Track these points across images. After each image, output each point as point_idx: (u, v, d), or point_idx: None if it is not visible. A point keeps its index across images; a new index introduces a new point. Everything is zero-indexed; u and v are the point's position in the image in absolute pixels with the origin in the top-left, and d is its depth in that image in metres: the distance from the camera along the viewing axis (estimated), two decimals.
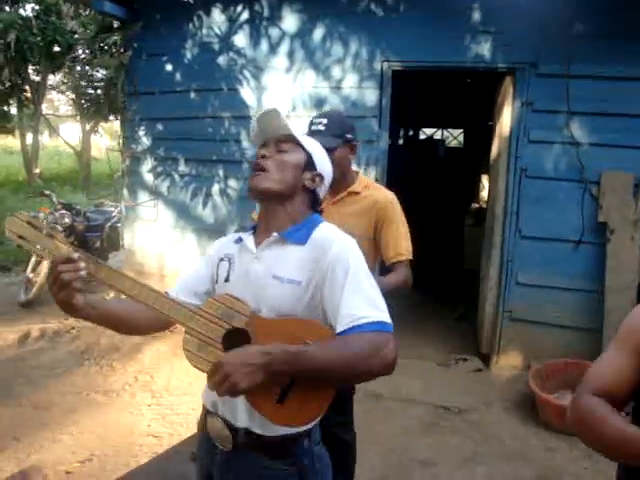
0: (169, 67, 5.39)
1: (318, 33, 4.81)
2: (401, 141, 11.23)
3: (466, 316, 5.93)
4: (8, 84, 11.72)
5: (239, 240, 1.64)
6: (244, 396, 1.39)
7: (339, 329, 1.38)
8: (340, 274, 1.42)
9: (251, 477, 1.54)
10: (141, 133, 5.71)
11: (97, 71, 10.14)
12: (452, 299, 6.58)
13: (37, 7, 9.45)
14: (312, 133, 2.30)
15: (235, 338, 1.41)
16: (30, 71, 11.54)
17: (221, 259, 1.64)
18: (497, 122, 4.71)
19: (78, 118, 12.23)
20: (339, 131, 2.38)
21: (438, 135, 13.07)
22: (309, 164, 1.62)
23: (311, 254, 1.48)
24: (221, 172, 5.34)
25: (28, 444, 3.55)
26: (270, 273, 1.50)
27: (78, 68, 9.28)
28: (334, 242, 1.48)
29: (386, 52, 4.64)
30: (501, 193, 4.60)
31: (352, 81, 4.79)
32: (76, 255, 1.36)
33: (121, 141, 6.08)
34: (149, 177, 5.75)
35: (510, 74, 4.47)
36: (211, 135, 5.31)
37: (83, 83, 10.51)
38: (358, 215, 2.46)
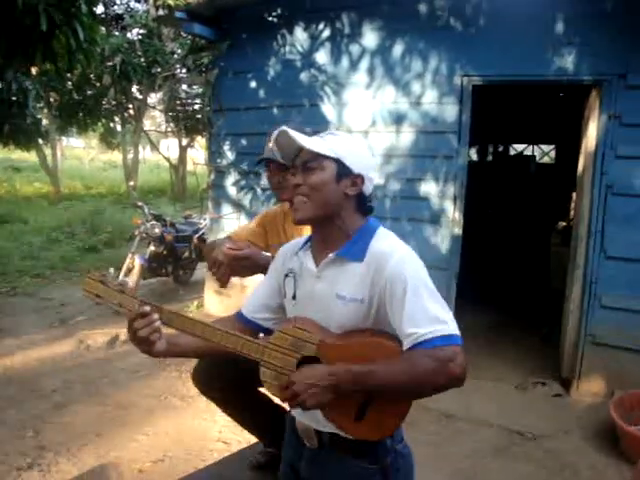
0: (253, 84, 5.58)
1: (398, 49, 4.83)
2: (490, 157, 10.99)
3: (550, 338, 5.69)
4: (114, 103, 12.51)
5: (297, 254, 1.66)
6: (321, 412, 1.47)
7: (405, 346, 1.39)
8: (398, 291, 1.41)
9: (336, 474, 1.59)
10: (226, 148, 5.92)
11: (193, 88, 10.61)
12: (536, 320, 6.33)
13: (141, 31, 10.05)
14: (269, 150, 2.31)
15: (308, 365, 1.46)
16: (133, 90, 12.23)
17: (286, 275, 1.66)
18: (583, 137, 4.53)
19: (176, 134, 12.80)
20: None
21: (529, 151, 12.67)
22: (342, 171, 1.51)
23: (369, 270, 1.47)
24: None
25: (108, 441, 3.74)
26: (333, 292, 1.51)
27: (175, 86, 9.75)
28: (390, 256, 1.44)
29: (466, 67, 4.59)
30: (585, 211, 4.40)
31: (431, 96, 4.76)
32: (148, 308, 1.45)
33: (207, 156, 6.33)
34: (233, 190, 5.94)
35: (596, 87, 4.29)
36: None
37: (178, 101, 11.03)
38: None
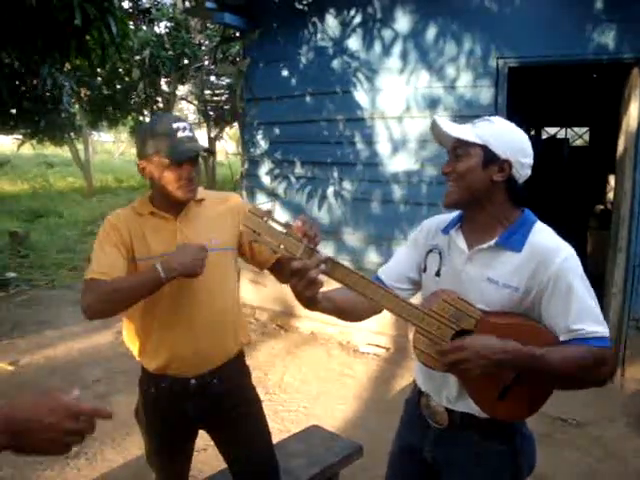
0: (285, 73, 5.56)
1: (431, 32, 4.75)
2: None
3: None
4: (143, 96, 12.60)
5: (446, 231, 1.68)
6: (463, 384, 1.54)
7: (566, 337, 1.45)
8: (563, 288, 1.46)
9: (466, 454, 1.63)
10: (259, 137, 5.92)
11: (221, 80, 10.64)
12: None
13: (169, 24, 10.10)
14: (185, 141, 1.92)
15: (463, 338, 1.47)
16: (162, 83, 12.31)
17: (430, 250, 1.70)
18: (623, 117, 4.41)
19: (204, 125, 12.86)
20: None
21: (562, 134, 12.44)
22: (489, 157, 1.51)
23: (530, 262, 1.49)
24: (336, 174, 5.42)
25: None
26: (484, 276, 1.54)
27: (204, 78, 9.81)
28: (556, 253, 1.47)
29: (501, 48, 4.50)
30: (627, 193, 4.30)
31: (466, 80, 4.69)
32: (320, 255, 1.42)
33: (241, 146, 6.34)
34: (267, 180, 5.95)
35: (637, 65, 4.17)
36: (326, 138, 5.40)
37: (207, 92, 11.07)
38: (217, 221, 2.06)
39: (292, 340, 5.46)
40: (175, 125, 1.90)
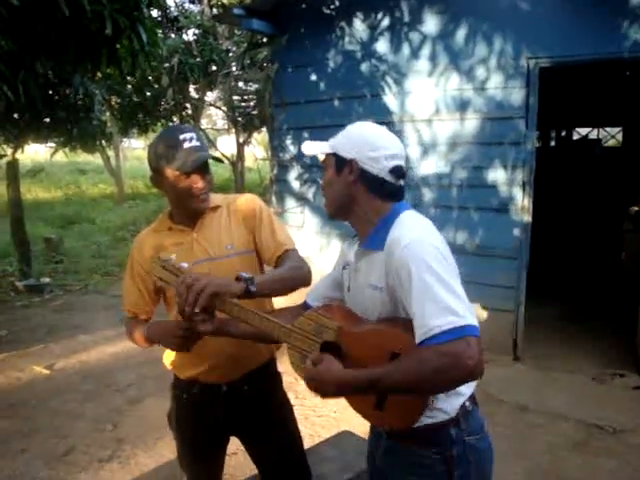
0: (313, 77, 5.57)
1: (460, 34, 4.72)
2: (552, 142, 10.65)
3: (626, 328, 5.48)
4: (172, 103, 12.72)
5: (349, 245, 1.72)
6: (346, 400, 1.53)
7: (417, 339, 1.34)
8: (405, 278, 1.38)
9: (403, 463, 1.61)
10: (288, 142, 5.94)
11: (249, 85, 10.69)
12: (609, 309, 6.10)
13: (197, 31, 10.18)
14: (194, 151, 1.88)
15: (331, 349, 1.50)
16: (191, 89, 12.42)
17: (344, 267, 1.71)
18: None
19: (233, 130, 12.93)
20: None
21: (594, 134, 12.22)
22: (339, 162, 1.55)
23: (386, 258, 1.46)
24: None
25: None
26: (367, 282, 1.54)
27: (232, 84, 9.86)
28: (398, 242, 1.42)
29: (532, 48, 4.44)
30: None
31: (497, 81, 4.64)
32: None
33: (269, 150, 6.37)
34: (296, 184, 5.96)
35: None
36: None
37: (235, 97, 11.13)
38: (229, 229, 2.04)
39: None
40: (181, 136, 1.89)
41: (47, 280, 7.91)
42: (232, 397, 2.06)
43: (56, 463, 3.53)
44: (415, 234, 1.43)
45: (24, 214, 8.16)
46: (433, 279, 1.34)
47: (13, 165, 7.82)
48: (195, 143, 1.89)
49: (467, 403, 1.56)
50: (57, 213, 13.19)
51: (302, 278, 1.92)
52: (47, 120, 7.12)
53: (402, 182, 1.58)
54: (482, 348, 1.30)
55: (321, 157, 1.63)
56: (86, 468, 3.49)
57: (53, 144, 7.96)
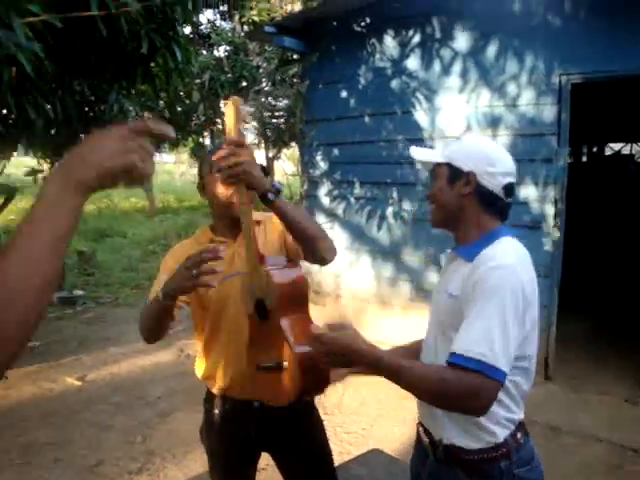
0: (344, 94, 5.61)
1: (491, 50, 4.72)
2: (584, 158, 10.53)
3: None
4: (203, 118, 12.91)
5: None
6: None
7: (450, 349, 1.37)
8: (476, 295, 1.39)
9: None
10: (318, 158, 5.98)
11: (279, 101, 10.80)
12: None
13: (228, 48, 10.35)
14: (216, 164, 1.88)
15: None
16: (221, 105, 12.59)
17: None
18: None
19: (263, 146, 13.05)
20: None
21: (627, 150, 12.04)
22: (454, 173, 1.55)
23: (470, 270, 1.46)
24: (395, 195, 5.41)
25: None
26: (445, 288, 1.56)
27: (262, 100, 9.98)
28: (487, 261, 1.42)
29: (564, 64, 4.41)
30: None
31: (528, 97, 4.62)
32: None
33: (300, 166, 6.43)
34: (326, 200, 5.99)
35: None
36: (385, 158, 5.41)
37: (266, 114, 11.24)
38: (270, 243, 2.05)
39: None
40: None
41: (80, 292, 8.05)
42: (264, 414, 2.06)
43: (87, 474, 3.57)
44: (508, 261, 1.42)
45: None
46: (496, 312, 1.35)
47: None
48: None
49: (519, 435, 1.53)
50: (90, 226, 13.41)
51: (325, 236, 1.90)
52: (82, 136, 7.27)
53: (510, 200, 1.57)
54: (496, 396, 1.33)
55: (428, 165, 1.65)
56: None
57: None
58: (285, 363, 1.71)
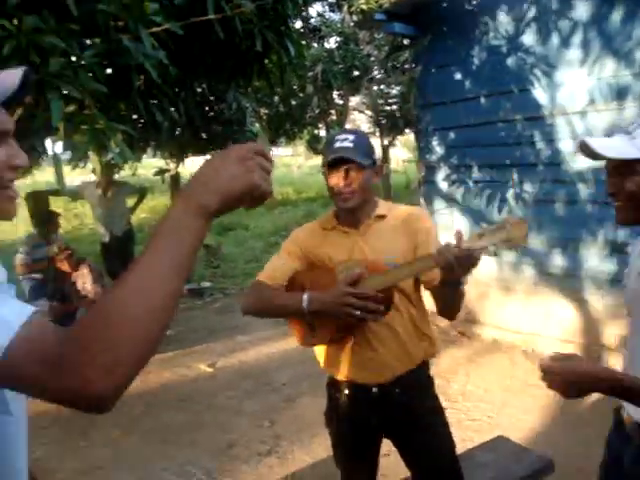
0: (458, 76, 5.48)
1: (616, 16, 4.39)
2: None
3: None
4: (317, 110, 13.12)
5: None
6: None
7: None
8: None
9: None
10: (434, 143, 5.90)
11: (392, 88, 10.73)
12: None
13: (338, 39, 10.44)
14: (338, 150, 1.96)
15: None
16: (334, 96, 12.72)
17: None
18: None
19: (377, 134, 13.05)
20: (368, 150, 2.03)
21: None
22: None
23: None
24: (515, 176, 5.22)
25: None
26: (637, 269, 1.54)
27: (375, 88, 9.99)
28: None
29: None
30: None
31: None
32: None
33: (416, 152, 6.37)
34: (444, 185, 5.90)
35: None
36: (503, 139, 5.23)
37: (380, 101, 11.22)
38: (393, 240, 2.06)
39: (474, 348, 5.34)
40: (338, 136, 2.00)
41: (207, 284, 8.49)
42: (382, 400, 2.09)
43: (220, 455, 3.79)
44: None
45: None
46: None
47: (176, 178, 8.49)
48: (344, 144, 1.96)
49: None
50: (215, 221, 14.04)
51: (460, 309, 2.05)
52: (204, 135, 7.65)
53: None
54: None
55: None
56: (247, 461, 3.71)
57: (209, 156, 8.55)
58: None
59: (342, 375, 2.14)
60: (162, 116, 4.11)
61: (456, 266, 1.67)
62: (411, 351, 2.08)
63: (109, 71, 3.25)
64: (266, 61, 4.81)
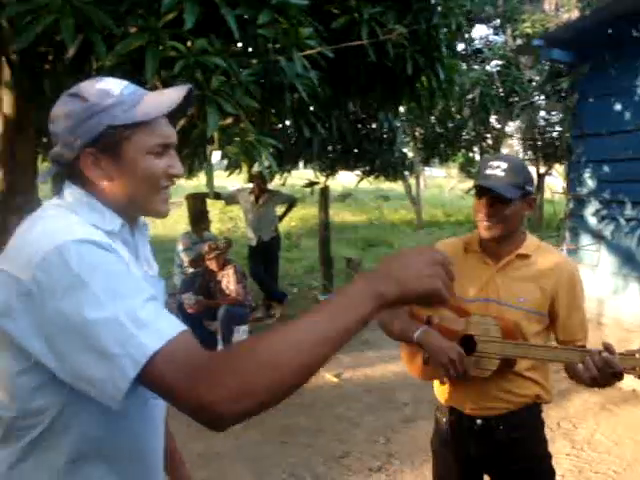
0: (618, 107, 5.20)
1: None
2: None
3: None
4: (473, 133, 12.94)
5: None
6: None
7: None
8: None
9: None
10: (586, 175, 5.63)
11: (552, 115, 10.35)
12: None
13: (499, 62, 10.26)
14: (487, 177, 1.89)
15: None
16: (492, 120, 12.48)
17: None
18: None
19: (533, 161, 12.63)
20: (520, 181, 1.91)
21: None
22: None
23: None
24: None
25: None
26: None
27: (531, 114, 9.69)
28: None
29: None
30: None
31: None
32: None
33: (565, 184, 6.11)
34: (592, 220, 5.61)
35: None
36: None
37: (536, 129, 10.86)
38: (529, 284, 1.95)
39: (609, 395, 4.98)
40: (491, 162, 1.96)
41: None
42: (485, 434, 2.05)
43: (333, 463, 3.90)
44: None
45: (331, 235, 9.11)
46: None
47: (324, 191, 8.81)
48: (495, 172, 1.91)
49: None
50: (359, 236, 14.33)
51: None
52: (355, 151, 7.89)
53: None
54: None
55: None
56: (357, 473, 3.78)
57: (359, 172, 8.79)
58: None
59: (448, 402, 2.15)
60: (310, 132, 4.34)
61: (600, 378, 1.66)
62: (522, 391, 2.02)
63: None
64: (417, 85, 4.90)
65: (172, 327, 0.96)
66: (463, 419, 2.10)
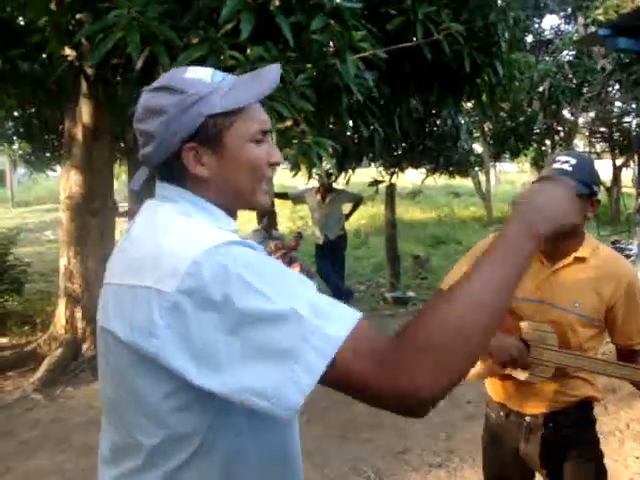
0: None
1: None
2: None
3: None
4: (544, 126, 12.61)
5: None
6: None
7: None
8: None
9: None
10: None
11: (628, 105, 9.95)
12: None
13: (570, 52, 9.96)
14: (553, 172, 1.81)
15: None
16: (564, 112, 12.13)
17: None
18: None
19: (609, 154, 12.18)
20: (587, 179, 1.82)
21: None
22: None
23: None
24: None
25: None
26: None
27: (605, 105, 9.36)
28: None
29: None
30: None
31: None
32: None
33: (636, 176, 5.91)
34: None
35: None
36: None
37: (614, 120, 10.49)
38: (585, 289, 1.89)
39: None
40: (559, 157, 1.90)
41: (412, 294, 8.64)
42: (534, 431, 2.04)
43: (392, 458, 3.94)
44: None
45: (398, 233, 9.11)
46: None
47: (390, 189, 8.83)
48: (563, 166, 1.85)
49: None
50: (428, 233, 14.18)
51: None
52: (419, 149, 7.89)
53: None
54: None
55: None
56: (417, 469, 3.81)
57: (424, 169, 8.78)
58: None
59: (499, 397, 2.16)
60: (368, 131, 4.41)
61: None
62: (572, 391, 2.01)
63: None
64: (478, 81, 4.88)
65: (352, 314, 0.89)
66: (512, 416, 2.10)
